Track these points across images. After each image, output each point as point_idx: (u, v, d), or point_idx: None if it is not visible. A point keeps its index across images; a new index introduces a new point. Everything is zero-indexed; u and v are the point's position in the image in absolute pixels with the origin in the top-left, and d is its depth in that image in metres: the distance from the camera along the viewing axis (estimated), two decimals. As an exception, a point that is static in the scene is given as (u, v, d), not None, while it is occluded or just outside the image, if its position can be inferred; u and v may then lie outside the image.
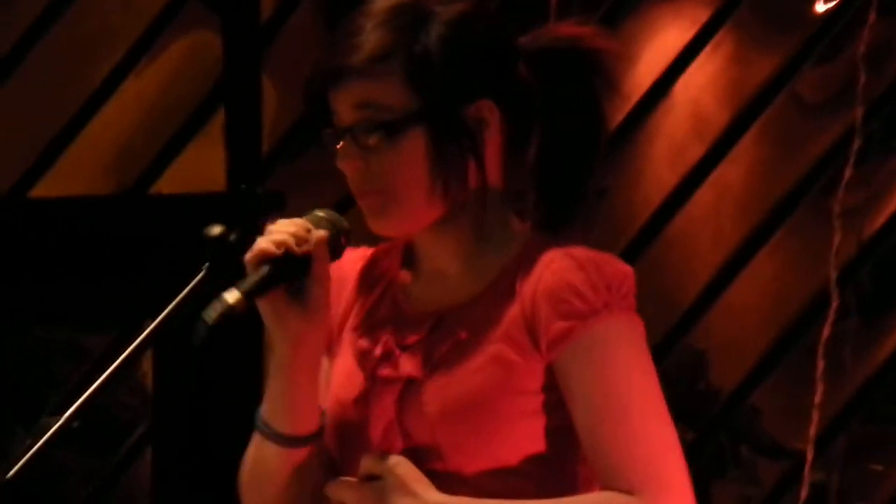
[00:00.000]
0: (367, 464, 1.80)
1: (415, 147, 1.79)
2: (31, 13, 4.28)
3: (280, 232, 1.79)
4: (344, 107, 1.81)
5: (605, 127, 1.86)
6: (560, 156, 1.84)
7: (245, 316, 1.78)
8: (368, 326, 1.87)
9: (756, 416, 3.96)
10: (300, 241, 1.79)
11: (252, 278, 1.78)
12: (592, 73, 1.84)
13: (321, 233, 1.79)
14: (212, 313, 1.74)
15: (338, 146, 1.82)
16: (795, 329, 3.89)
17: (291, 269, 1.79)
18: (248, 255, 1.78)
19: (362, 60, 1.79)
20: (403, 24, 1.80)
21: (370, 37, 1.79)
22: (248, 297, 1.77)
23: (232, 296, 1.76)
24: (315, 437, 1.83)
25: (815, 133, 3.94)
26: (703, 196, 3.97)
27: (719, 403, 3.96)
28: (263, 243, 1.78)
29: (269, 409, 1.82)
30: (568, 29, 1.85)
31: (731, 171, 3.98)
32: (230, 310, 1.75)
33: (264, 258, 1.77)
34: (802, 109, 3.98)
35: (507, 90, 1.82)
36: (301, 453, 1.83)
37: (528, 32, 1.85)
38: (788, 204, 3.93)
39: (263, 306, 1.80)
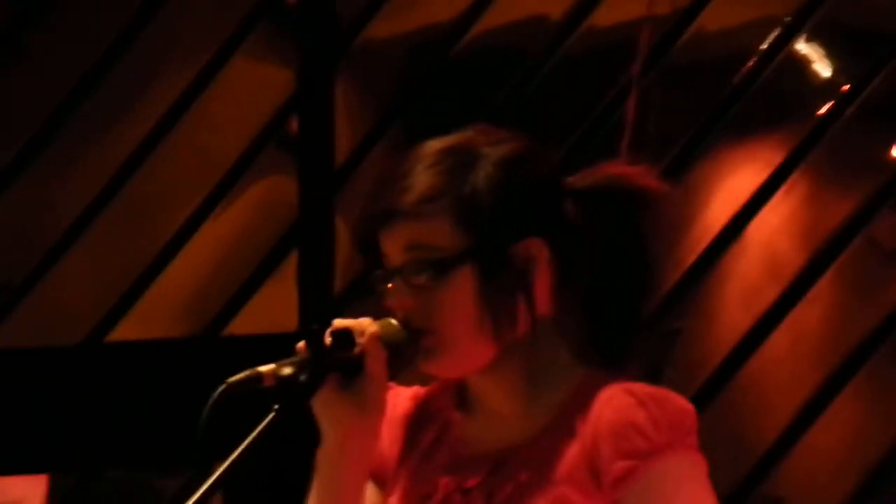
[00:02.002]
0: None
1: (464, 286, 1.80)
2: (114, 160, 4.36)
3: (335, 325, 1.79)
4: (394, 248, 1.82)
5: (653, 266, 1.86)
6: (608, 293, 1.84)
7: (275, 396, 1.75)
8: (425, 469, 1.85)
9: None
10: (357, 333, 1.78)
11: (294, 358, 1.77)
12: (638, 211, 1.84)
13: (374, 328, 1.78)
14: (238, 377, 1.73)
15: (388, 286, 1.82)
16: (876, 478, 3.81)
17: (339, 362, 1.77)
18: (298, 345, 1.79)
19: (412, 202, 1.81)
20: (453, 165, 1.82)
21: (420, 179, 1.81)
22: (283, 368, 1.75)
23: (266, 368, 1.75)
24: None
25: (893, 277, 3.90)
26: (779, 339, 3.93)
27: (797, 553, 3.87)
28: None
29: None
30: (615, 168, 1.87)
31: (808, 315, 3.94)
32: (257, 378, 1.73)
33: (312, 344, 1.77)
34: (879, 254, 3.94)
35: (556, 227, 1.83)
36: None
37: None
38: (867, 348, 3.87)
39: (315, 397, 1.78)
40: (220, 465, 1.77)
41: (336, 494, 1.80)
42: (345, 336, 1.78)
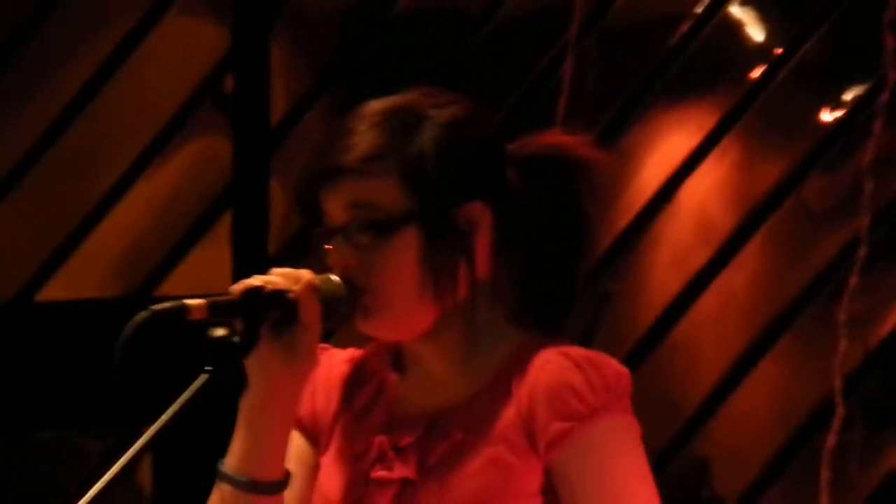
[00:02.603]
0: None
1: (408, 246, 1.80)
2: (45, 117, 4.32)
3: (273, 273, 1.78)
4: (336, 206, 1.82)
5: (590, 234, 1.88)
6: (545, 260, 1.86)
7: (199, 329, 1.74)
8: (360, 429, 1.86)
9: (762, 526, 3.91)
10: (290, 283, 1.77)
11: (225, 297, 1.75)
12: (576, 181, 1.87)
13: (308, 275, 1.78)
14: (163, 305, 1.71)
15: (328, 246, 1.82)
16: (801, 437, 3.86)
17: (271, 306, 1.75)
18: (233, 287, 1.77)
19: (357, 160, 1.80)
20: (397, 125, 1.82)
21: (365, 137, 1.81)
22: (213, 308, 1.72)
23: (195, 301, 1.72)
24: (285, 485, 1.80)
25: (822, 240, 3.94)
26: (708, 302, 3.97)
27: (724, 512, 3.92)
28: (251, 279, 1.78)
29: (239, 457, 1.78)
30: (554, 137, 1.88)
31: (737, 277, 3.98)
32: (183, 309, 1.70)
33: (247, 289, 1.76)
34: (809, 216, 3.98)
35: (497, 193, 1.85)
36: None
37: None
38: (794, 311, 3.92)
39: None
40: (149, 427, 1.77)
41: (258, 444, 1.78)
42: (280, 296, 1.78)
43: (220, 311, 1.76)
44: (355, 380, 1.89)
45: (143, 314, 1.72)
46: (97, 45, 4.30)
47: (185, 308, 1.73)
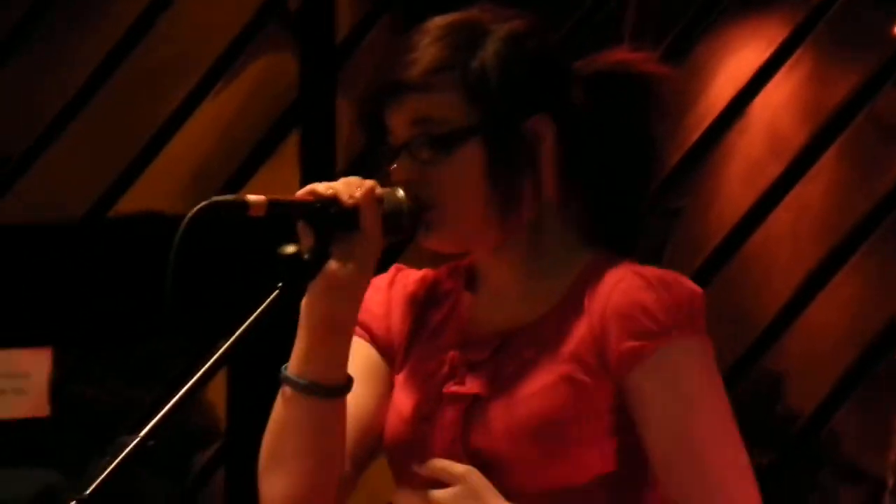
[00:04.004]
0: (435, 470, 1.78)
1: (472, 160, 1.79)
2: (111, 38, 4.33)
3: (339, 182, 1.78)
4: (400, 123, 1.81)
5: (655, 150, 1.86)
6: (613, 178, 1.84)
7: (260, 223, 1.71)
8: (434, 347, 1.86)
9: (835, 441, 3.90)
10: (353, 190, 1.76)
11: (286, 198, 1.74)
12: (642, 98, 1.85)
13: (369, 182, 1.77)
14: (224, 197, 1.70)
15: (393, 164, 1.81)
16: (875, 351, 3.84)
17: (334, 216, 1.74)
18: (298, 193, 1.77)
19: (419, 75, 1.79)
20: (460, 39, 1.81)
21: (427, 52, 1.80)
22: (272, 207, 1.71)
23: (255, 197, 1.71)
24: (345, 390, 1.80)
25: (894, 154, 3.89)
26: (781, 216, 3.94)
27: (797, 427, 3.91)
28: (314, 184, 1.77)
29: (299, 360, 1.78)
30: (620, 54, 1.86)
31: (809, 191, 3.94)
32: (243, 203, 1.69)
33: (308, 193, 1.76)
34: (881, 130, 3.93)
35: (562, 108, 1.83)
36: (335, 409, 1.78)
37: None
38: (868, 224, 3.88)
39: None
40: (223, 342, 1.78)
41: (318, 347, 1.78)
42: (341, 202, 1.76)
43: (279, 210, 1.75)
44: (429, 300, 1.89)
45: (203, 203, 1.71)
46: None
47: (245, 203, 1.72)
